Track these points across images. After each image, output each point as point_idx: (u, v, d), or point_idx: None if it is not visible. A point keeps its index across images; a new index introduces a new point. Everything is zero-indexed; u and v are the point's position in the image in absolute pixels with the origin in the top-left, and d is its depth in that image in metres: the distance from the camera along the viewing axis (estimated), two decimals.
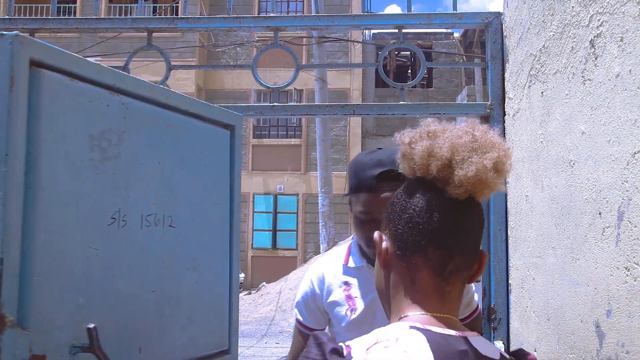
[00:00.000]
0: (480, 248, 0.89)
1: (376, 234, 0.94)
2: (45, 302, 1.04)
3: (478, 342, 0.83)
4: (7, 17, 1.98)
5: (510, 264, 1.85)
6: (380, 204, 1.41)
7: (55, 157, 1.07)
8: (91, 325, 1.08)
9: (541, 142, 1.54)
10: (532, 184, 1.61)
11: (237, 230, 1.56)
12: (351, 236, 9.83)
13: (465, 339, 0.82)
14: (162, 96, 1.31)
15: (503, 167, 0.85)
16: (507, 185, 1.88)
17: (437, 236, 0.86)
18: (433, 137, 0.88)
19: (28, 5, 16.04)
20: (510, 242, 1.86)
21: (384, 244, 0.92)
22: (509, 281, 1.86)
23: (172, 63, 2.04)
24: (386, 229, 0.93)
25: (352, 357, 0.81)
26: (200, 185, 1.42)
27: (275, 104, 1.98)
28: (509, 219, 1.87)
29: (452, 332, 0.83)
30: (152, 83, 1.33)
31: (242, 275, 15.62)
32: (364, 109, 2.00)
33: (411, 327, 0.83)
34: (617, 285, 1.11)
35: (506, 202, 1.88)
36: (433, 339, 0.81)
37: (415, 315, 0.85)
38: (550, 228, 1.47)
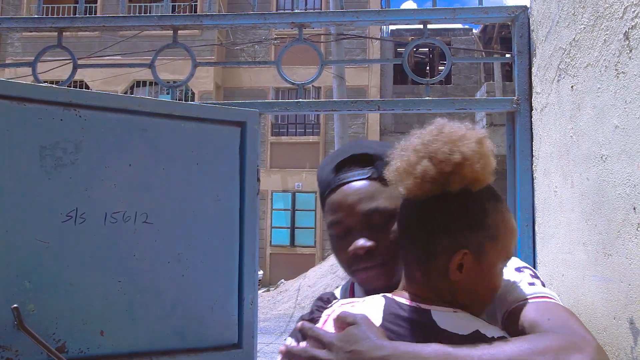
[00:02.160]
0: (464, 249, 0.95)
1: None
2: None
3: (443, 316, 0.93)
4: (36, 16, 2.02)
5: (537, 260, 1.83)
6: (349, 204, 1.08)
7: (0, 166, 1.26)
8: (14, 306, 1.23)
9: (571, 136, 1.52)
10: (561, 179, 1.59)
11: (251, 226, 1.58)
12: None
13: (426, 311, 0.94)
14: (135, 104, 1.45)
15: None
16: (535, 181, 1.85)
17: (399, 233, 1.04)
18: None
19: (55, 5, 16.27)
20: (537, 238, 1.84)
21: None
22: None
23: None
24: None
25: (329, 307, 1.04)
26: (190, 182, 1.50)
27: (300, 100, 1.98)
28: (536, 215, 1.85)
29: (407, 302, 0.97)
30: (118, 94, 1.50)
31: (260, 272, 15.67)
32: (389, 104, 1.99)
33: (383, 295, 1.01)
34: None
35: (533, 198, 1.86)
36: (388, 303, 0.97)
37: (397, 291, 1.03)
38: (580, 224, 1.45)
